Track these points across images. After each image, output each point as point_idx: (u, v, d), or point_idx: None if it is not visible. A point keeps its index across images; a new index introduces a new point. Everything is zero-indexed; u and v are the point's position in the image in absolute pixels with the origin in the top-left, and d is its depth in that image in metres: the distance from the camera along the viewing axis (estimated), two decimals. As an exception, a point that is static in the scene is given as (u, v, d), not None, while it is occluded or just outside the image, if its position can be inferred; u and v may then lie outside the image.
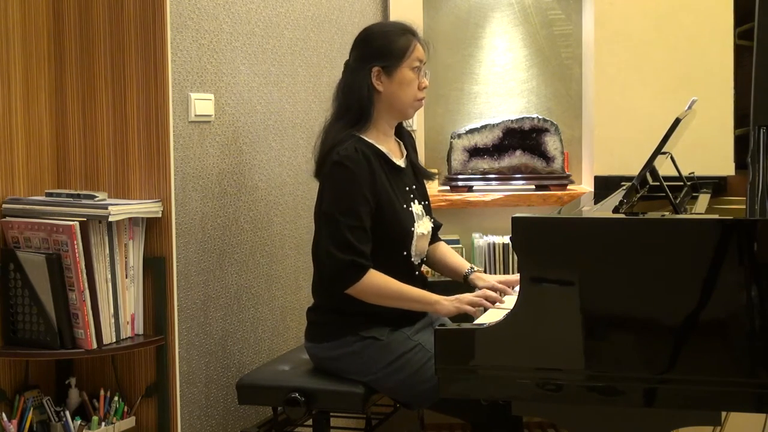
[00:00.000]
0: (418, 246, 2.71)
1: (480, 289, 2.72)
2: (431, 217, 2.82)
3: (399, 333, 2.64)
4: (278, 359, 2.88)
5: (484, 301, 2.56)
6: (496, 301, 2.58)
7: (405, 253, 2.66)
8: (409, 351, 2.61)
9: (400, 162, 2.75)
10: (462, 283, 2.86)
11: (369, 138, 2.68)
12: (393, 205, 2.64)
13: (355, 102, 2.66)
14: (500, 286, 2.72)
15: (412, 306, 2.62)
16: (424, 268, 2.84)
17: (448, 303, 2.57)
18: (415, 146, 2.89)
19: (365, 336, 2.63)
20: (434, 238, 2.89)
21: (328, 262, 2.56)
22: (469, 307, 2.56)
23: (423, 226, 2.72)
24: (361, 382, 2.63)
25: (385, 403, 2.99)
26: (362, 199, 2.56)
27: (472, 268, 2.86)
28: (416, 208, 2.73)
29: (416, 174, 2.83)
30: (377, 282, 2.57)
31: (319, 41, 3.43)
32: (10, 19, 2.55)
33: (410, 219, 2.68)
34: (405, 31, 2.70)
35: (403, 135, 2.84)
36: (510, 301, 2.52)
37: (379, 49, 2.66)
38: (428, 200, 2.84)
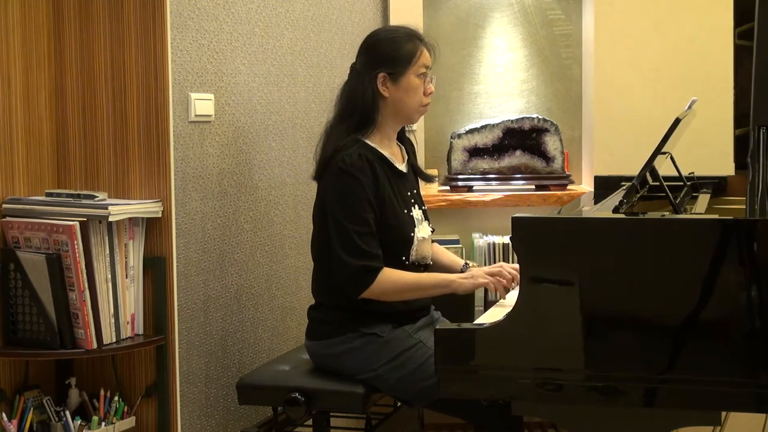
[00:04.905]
0: (420, 250, 2.70)
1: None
2: (429, 222, 2.82)
3: (400, 330, 2.65)
4: (278, 359, 2.88)
5: (501, 279, 2.58)
6: (514, 279, 2.59)
7: (403, 257, 2.67)
8: (410, 348, 2.61)
9: (402, 167, 2.76)
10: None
11: (372, 143, 2.68)
12: (395, 210, 2.65)
13: (359, 107, 2.67)
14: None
15: (431, 292, 2.64)
16: None
17: (464, 280, 2.59)
18: (415, 152, 2.90)
19: (367, 333, 2.63)
20: None
21: (340, 270, 2.57)
22: (483, 280, 2.57)
23: (423, 231, 2.73)
24: (361, 380, 2.63)
25: (385, 403, 2.99)
26: (368, 205, 2.58)
27: (466, 263, 2.89)
28: (416, 213, 2.74)
29: (417, 178, 2.85)
30: (392, 279, 2.58)
31: (319, 41, 3.43)
32: (10, 19, 2.55)
33: (411, 224, 2.69)
34: (412, 37, 2.70)
35: (404, 141, 2.86)
36: (512, 299, 2.52)
37: (386, 55, 2.66)
38: (425, 206, 2.85)
